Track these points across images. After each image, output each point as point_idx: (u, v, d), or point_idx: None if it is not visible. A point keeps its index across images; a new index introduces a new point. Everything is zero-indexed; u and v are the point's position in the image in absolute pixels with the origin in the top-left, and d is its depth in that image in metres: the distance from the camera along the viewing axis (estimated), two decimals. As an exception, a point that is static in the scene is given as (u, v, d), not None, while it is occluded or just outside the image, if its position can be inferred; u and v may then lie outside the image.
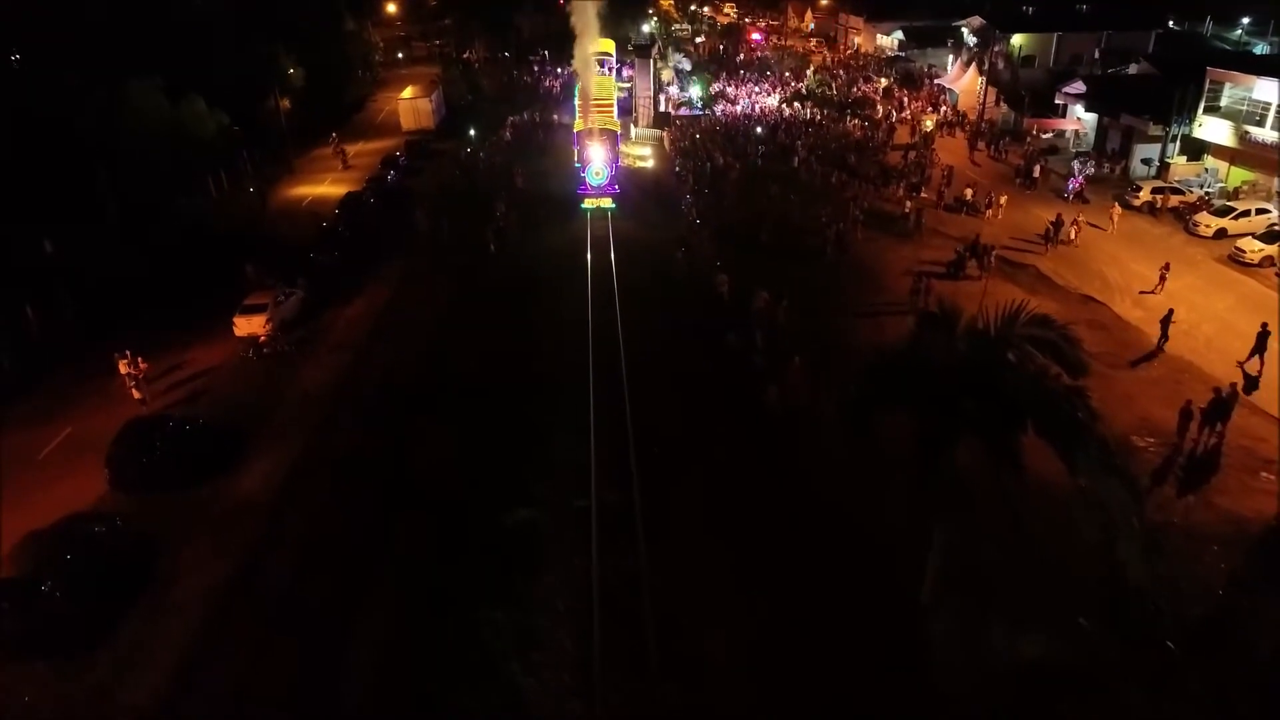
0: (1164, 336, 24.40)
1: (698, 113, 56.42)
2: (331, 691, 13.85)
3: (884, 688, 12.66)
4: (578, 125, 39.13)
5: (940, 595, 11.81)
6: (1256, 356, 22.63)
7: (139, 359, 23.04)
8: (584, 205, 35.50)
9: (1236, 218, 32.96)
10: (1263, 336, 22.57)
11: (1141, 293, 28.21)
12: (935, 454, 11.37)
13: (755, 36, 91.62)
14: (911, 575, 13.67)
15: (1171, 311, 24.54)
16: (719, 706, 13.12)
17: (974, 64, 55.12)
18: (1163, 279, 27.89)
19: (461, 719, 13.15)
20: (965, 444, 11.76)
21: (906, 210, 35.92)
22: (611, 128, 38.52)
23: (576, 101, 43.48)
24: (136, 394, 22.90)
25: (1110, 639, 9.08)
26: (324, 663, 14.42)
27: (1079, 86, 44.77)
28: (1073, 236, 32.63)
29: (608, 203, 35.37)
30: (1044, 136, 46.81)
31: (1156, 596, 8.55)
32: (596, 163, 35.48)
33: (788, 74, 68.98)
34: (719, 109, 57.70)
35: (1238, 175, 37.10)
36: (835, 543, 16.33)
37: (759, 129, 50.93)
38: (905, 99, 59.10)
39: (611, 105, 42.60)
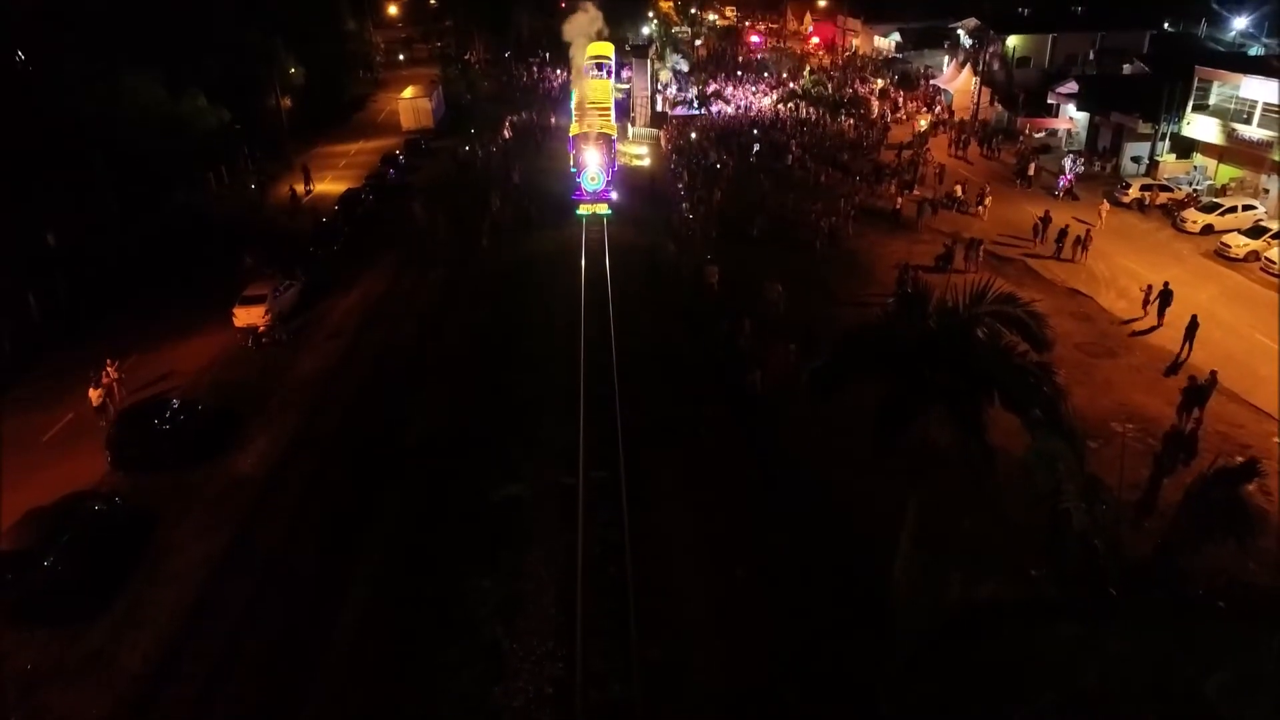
0: (1187, 342, 23.05)
1: (694, 112, 56.93)
2: (317, 653, 14.32)
3: (848, 641, 13.33)
4: (574, 129, 37.75)
5: (910, 561, 12.30)
6: (1156, 312, 24.76)
7: (103, 377, 22.07)
8: (579, 211, 33.88)
9: (1223, 214, 33.35)
10: (1165, 294, 23.95)
11: (1130, 326, 25.77)
12: (902, 422, 11.82)
13: (754, 39, 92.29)
14: (878, 534, 14.24)
15: (1195, 319, 23.05)
16: (692, 663, 13.65)
17: (969, 64, 55.66)
18: (1146, 301, 25.78)
19: (446, 680, 13.55)
20: (935, 418, 12.25)
21: (898, 206, 36.41)
22: (608, 132, 36.89)
23: (573, 105, 42.78)
24: (94, 401, 21.61)
25: (1055, 583, 9.66)
26: (311, 628, 14.91)
27: (1071, 86, 45.24)
28: (1077, 256, 30.88)
29: (604, 209, 33.88)
30: (1037, 135, 47.29)
31: (1097, 545, 9.03)
32: (592, 167, 33.82)
33: (785, 74, 69.56)
34: (715, 108, 58.20)
35: (1226, 172, 37.49)
36: (810, 512, 16.96)
37: (754, 129, 51.40)
38: (900, 99, 59.63)
39: (609, 109, 41.15)
